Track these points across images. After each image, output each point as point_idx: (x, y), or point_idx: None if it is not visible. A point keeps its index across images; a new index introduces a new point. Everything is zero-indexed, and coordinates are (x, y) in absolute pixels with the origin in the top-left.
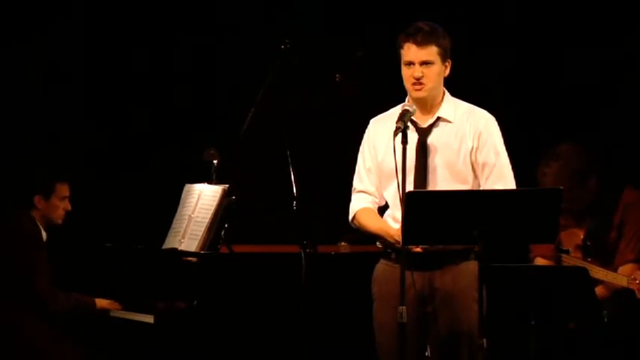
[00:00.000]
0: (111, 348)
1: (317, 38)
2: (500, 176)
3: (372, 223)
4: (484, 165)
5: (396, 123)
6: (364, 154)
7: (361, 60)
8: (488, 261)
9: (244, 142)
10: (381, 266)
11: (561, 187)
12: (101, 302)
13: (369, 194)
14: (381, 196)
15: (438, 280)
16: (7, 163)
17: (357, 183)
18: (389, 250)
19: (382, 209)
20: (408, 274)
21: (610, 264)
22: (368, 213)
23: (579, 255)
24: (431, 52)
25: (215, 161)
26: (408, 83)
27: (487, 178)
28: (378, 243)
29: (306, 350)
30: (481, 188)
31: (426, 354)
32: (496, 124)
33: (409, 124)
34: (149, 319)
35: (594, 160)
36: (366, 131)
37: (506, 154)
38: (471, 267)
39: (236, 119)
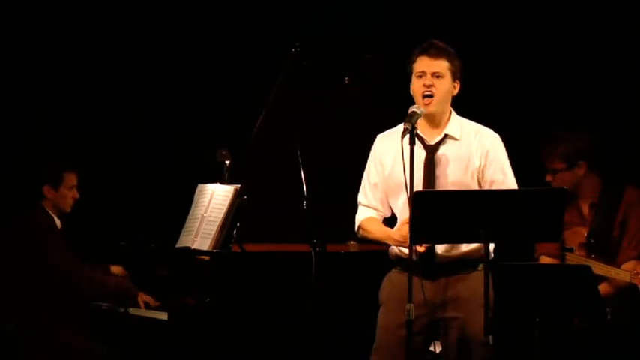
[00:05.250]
0: (125, 343)
1: (326, 40)
2: None
3: (375, 229)
4: (492, 183)
5: (404, 125)
6: (370, 169)
7: (370, 62)
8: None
9: (256, 143)
10: (392, 274)
11: (565, 188)
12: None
13: (373, 208)
14: (386, 209)
15: (450, 288)
16: (16, 155)
17: (361, 198)
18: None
19: (388, 222)
20: (417, 282)
21: (613, 261)
22: (372, 221)
23: (583, 253)
24: (442, 65)
25: (227, 162)
26: (417, 95)
27: None
28: (390, 254)
29: (316, 347)
30: None
31: (431, 349)
32: (502, 143)
33: (416, 140)
34: (163, 316)
35: (592, 153)
36: (373, 147)
37: (512, 173)
38: (483, 276)
39: (248, 120)
